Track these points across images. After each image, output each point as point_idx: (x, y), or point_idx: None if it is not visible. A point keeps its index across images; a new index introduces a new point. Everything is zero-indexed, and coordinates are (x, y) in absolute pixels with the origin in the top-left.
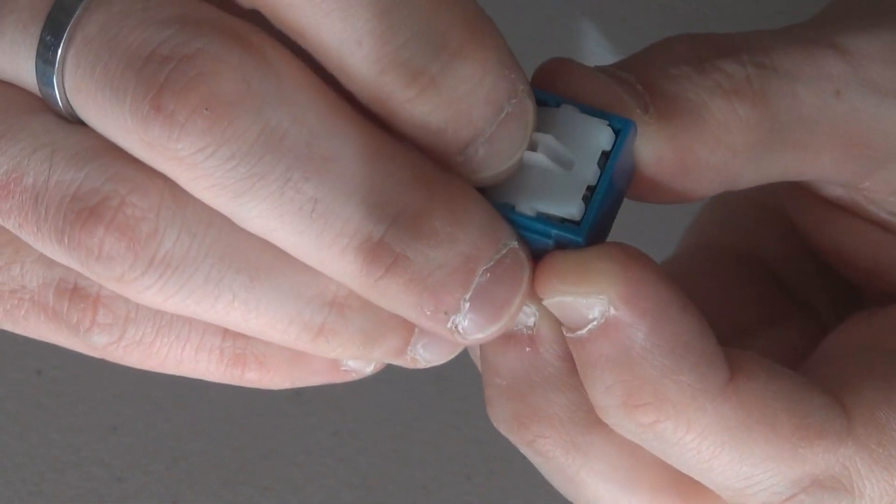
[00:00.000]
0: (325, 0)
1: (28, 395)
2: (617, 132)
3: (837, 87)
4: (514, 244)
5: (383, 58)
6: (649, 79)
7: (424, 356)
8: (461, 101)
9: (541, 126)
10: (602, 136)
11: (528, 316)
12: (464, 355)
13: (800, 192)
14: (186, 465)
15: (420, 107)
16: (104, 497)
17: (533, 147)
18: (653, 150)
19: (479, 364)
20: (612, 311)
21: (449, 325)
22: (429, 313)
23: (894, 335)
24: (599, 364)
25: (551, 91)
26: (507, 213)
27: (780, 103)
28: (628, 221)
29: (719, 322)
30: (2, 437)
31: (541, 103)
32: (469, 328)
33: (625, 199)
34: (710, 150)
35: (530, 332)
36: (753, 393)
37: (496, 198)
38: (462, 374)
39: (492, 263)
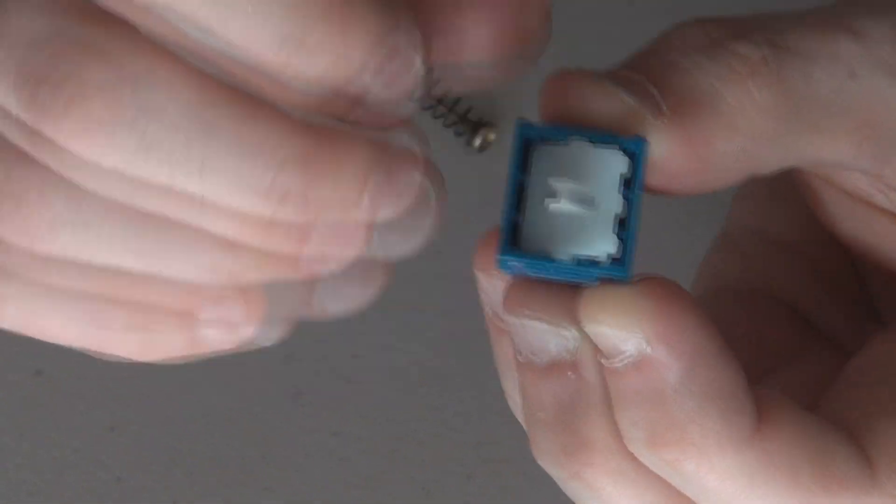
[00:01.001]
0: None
1: (28, 395)
2: (631, 155)
3: (852, 69)
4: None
5: (251, 40)
6: (660, 75)
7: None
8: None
9: (554, 170)
10: (617, 164)
11: (568, 340)
12: (463, 357)
13: (825, 188)
14: (186, 465)
15: (295, 61)
16: (104, 497)
17: (554, 195)
18: (669, 150)
19: (516, 411)
20: (647, 348)
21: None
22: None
23: None
24: (629, 397)
25: (559, 122)
26: (547, 264)
27: (796, 84)
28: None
29: (744, 365)
30: (2, 437)
31: (550, 140)
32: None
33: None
34: (728, 139)
35: (572, 357)
36: (778, 443)
37: (532, 250)
38: (462, 375)
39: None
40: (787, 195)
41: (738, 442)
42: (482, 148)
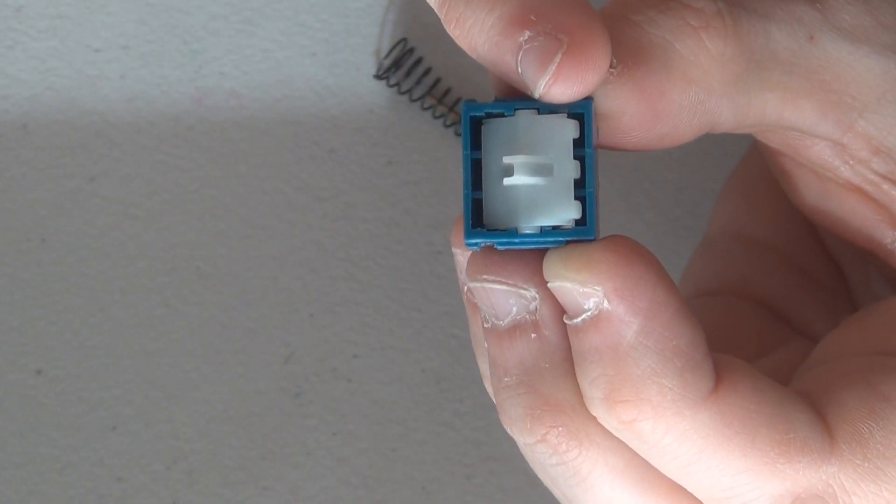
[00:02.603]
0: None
1: (28, 395)
2: (579, 118)
3: (811, 33)
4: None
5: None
6: (611, 32)
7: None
8: None
9: (506, 144)
10: (566, 129)
11: (529, 301)
12: (463, 357)
13: (794, 167)
14: (186, 465)
15: None
16: (104, 497)
17: (509, 171)
18: (621, 103)
19: (488, 380)
20: (606, 304)
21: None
22: None
23: (881, 333)
24: (589, 355)
25: (509, 95)
26: (513, 238)
27: (754, 41)
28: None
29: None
30: (2, 436)
31: (497, 115)
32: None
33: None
34: (682, 90)
35: (533, 317)
36: (735, 405)
37: (497, 226)
38: (462, 375)
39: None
40: (764, 195)
41: (693, 402)
42: None
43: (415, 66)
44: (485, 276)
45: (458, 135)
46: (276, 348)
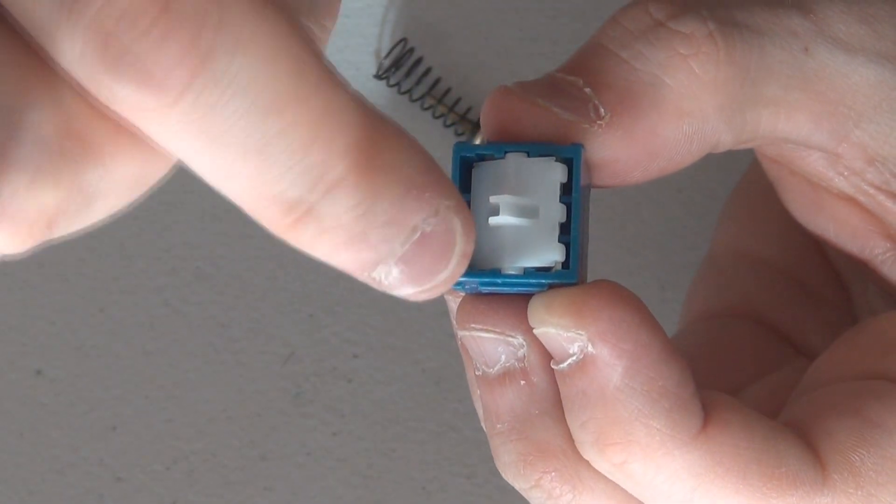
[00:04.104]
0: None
1: (28, 395)
2: (568, 161)
3: (805, 45)
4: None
5: (256, 190)
6: (597, 73)
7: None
8: (349, 228)
9: (494, 185)
10: (554, 172)
11: (516, 348)
12: (463, 359)
13: (789, 178)
14: (186, 465)
15: (303, 234)
16: (104, 497)
17: (495, 211)
18: (612, 150)
19: (483, 423)
20: (590, 347)
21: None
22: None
23: (869, 355)
24: (577, 399)
25: (498, 140)
26: (496, 278)
27: (748, 58)
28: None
29: (720, 386)
30: (2, 436)
31: (487, 157)
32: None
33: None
34: (676, 125)
35: (522, 364)
36: (724, 442)
37: (481, 266)
38: (462, 375)
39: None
40: (767, 213)
41: (683, 441)
42: None
43: (415, 66)
44: (473, 325)
45: (458, 135)
46: (276, 348)
